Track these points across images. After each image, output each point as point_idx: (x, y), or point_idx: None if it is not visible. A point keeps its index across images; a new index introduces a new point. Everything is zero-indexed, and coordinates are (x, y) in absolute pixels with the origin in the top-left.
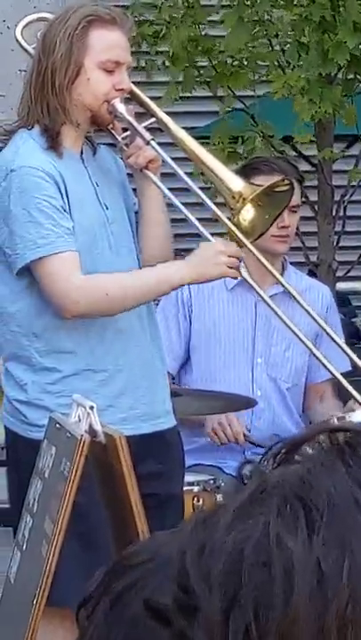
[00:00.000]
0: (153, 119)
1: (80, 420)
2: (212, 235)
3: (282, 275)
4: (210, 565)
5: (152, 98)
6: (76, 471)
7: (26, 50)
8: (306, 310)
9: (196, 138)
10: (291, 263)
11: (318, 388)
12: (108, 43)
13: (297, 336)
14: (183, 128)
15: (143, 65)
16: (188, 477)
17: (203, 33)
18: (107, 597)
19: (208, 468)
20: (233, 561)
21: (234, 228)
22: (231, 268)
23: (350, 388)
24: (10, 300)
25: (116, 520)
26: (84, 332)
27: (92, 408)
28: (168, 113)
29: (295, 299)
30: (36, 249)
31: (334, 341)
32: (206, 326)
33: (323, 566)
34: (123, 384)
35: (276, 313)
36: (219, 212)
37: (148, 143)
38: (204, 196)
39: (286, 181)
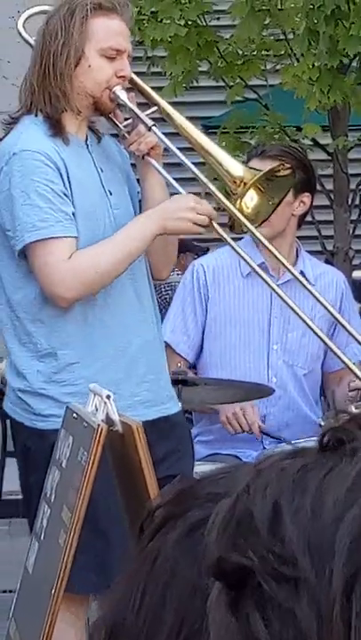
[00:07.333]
0: (154, 108)
1: (97, 410)
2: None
3: (296, 261)
4: (322, 538)
5: (153, 88)
6: (94, 460)
7: (28, 42)
8: (317, 299)
9: (209, 127)
10: (307, 252)
11: (337, 375)
12: (108, 30)
13: (309, 327)
14: (193, 118)
15: (140, 55)
16: (206, 467)
17: (206, 23)
18: (183, 522)
19: (226, 457)
20: (355, 538)
21: (239, 215)
22: (198, 224)
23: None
24: (15, 287)
25: (132, 509)
26: (82, 317)
27: (108, 397)
28: (178, 103)
29: (306, 288)
30: (35, 231)
31: (347, 331)
32: (222, 313)
33: None
34: (123, 370)
35: (287, 304)
36: (224, 199)
37: (149, 129)
38: (211, 185)
39: (287, 165)
